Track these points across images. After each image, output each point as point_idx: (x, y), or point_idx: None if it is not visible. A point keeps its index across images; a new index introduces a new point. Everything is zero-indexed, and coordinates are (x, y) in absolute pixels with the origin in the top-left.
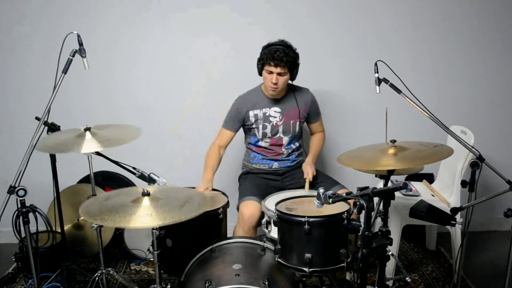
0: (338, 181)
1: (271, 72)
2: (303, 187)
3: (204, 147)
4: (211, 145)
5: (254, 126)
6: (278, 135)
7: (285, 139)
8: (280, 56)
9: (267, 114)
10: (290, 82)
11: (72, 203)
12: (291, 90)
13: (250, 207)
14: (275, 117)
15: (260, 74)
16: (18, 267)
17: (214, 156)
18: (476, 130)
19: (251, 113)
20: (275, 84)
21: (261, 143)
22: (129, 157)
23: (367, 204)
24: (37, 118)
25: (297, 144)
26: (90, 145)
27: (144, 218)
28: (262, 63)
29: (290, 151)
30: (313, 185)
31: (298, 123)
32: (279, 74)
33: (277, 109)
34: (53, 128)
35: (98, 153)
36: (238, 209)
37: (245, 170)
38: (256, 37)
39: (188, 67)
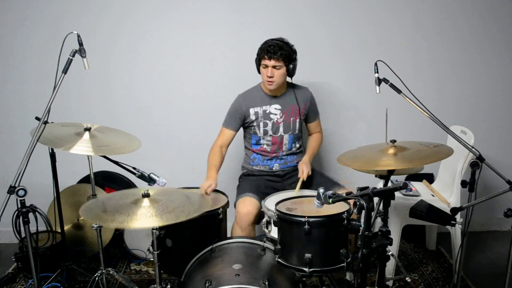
0: (336, 181)
1: (266, 66)
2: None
3: (204, 146)
4: (212, 146)
5: (254, 124)
6: (279, 134)
7: (286, 137)
8: (274, 49)
9: (267, 111)
10: (289, 80)
11: (72, 203)
12: (291, 88)
13: (247, 204)
14: (275, 114)
15: (259, 71)
16: (18, 267)
17: (216, 155)
18: (476, 130)
19: (252, 111)
20: (270, 77)
21: (262, 142)
22: (129, 157)
23: (367, 204)
24: (37, 118)
25: (297, 144)
26: (83, 147)
27: (144, 218)
28: (258, 59)
29: (289, 151)
30: (309, 185)
31: (298, 120)
32: (274, 67)
33: (277, 106)
34: None
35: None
36: (235, 206)
37: (246, 172)
38: (256, 37)
39: (188, 67)
